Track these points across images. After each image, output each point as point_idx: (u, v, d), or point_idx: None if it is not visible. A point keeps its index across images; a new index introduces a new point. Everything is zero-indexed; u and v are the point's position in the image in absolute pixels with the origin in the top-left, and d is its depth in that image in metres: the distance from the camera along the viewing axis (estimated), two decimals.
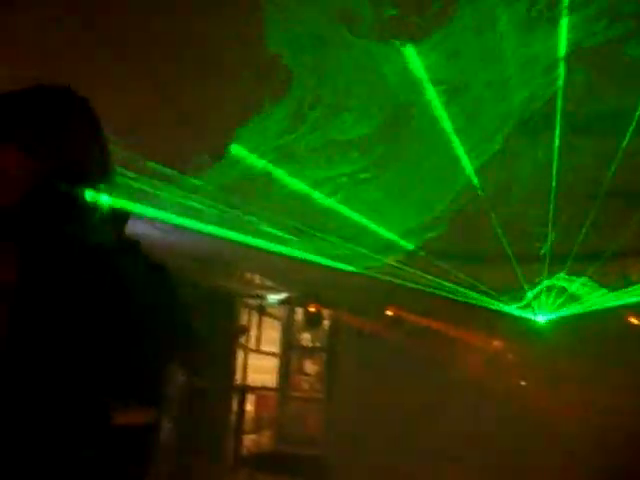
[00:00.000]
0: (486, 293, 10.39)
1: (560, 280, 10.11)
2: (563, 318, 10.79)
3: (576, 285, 10.20)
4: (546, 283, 10.23)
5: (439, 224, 7.51)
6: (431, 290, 10.20)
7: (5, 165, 1.56)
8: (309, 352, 13.78)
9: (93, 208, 1.61)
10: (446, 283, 10.14)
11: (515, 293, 10.46)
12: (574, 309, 10.69)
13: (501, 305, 10.68)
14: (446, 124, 4.95)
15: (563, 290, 10.43)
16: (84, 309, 1.58)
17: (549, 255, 8.83)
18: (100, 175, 1.68)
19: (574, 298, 10.50)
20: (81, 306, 1.58)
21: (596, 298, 10.39)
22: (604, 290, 10.10)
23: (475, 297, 10.37)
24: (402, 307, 11.75)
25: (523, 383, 11.59)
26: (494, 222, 7.69)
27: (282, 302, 12.57)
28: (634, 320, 11.00)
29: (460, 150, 5.53)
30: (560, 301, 10.72)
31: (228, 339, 10.99)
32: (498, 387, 11.21)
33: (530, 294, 10.51)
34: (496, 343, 12.03)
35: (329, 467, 10.90)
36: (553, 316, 10.90)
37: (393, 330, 11.93)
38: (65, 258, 1.58)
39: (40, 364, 1.50)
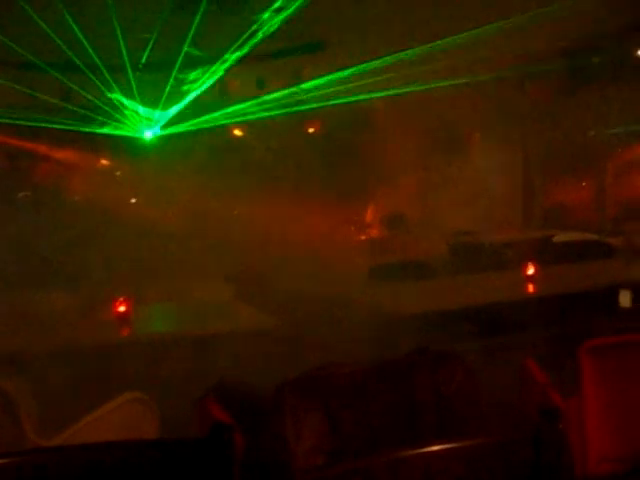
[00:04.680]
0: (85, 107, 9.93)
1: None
2: (169, 134, 10.89)
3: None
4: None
5: None
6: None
7: None
8: None
9: None
10: (42, 96, 9.44)
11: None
12: (180, 127, 10.83)
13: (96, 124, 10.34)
14: None
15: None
16: None
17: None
18: None
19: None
20: None
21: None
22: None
23: (73, 111, 9.86)
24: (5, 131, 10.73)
25: (134, 200, 11.61)
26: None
27: None
28: (238, 132, 11.57)
29: None
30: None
31: None
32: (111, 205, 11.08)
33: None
34: (104, 162, 11.75)
35: None
36: (159, 132, 10.92)
37: None
38: None
39: None
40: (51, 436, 3.29)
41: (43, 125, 9.69)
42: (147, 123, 10.58)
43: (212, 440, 1.96)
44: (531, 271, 5.97)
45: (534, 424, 2.13)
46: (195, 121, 10.63)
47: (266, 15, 7.43)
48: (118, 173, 11.75)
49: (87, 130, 10.08)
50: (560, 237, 8.70)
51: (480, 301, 5.25)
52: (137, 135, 10.68)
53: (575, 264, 6.73)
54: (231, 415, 2.67)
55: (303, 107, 10.20)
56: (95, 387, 3.84)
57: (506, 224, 10.82)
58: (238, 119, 10.71)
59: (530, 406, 3.55)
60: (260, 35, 7.86)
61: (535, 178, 11.82)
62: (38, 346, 4.38)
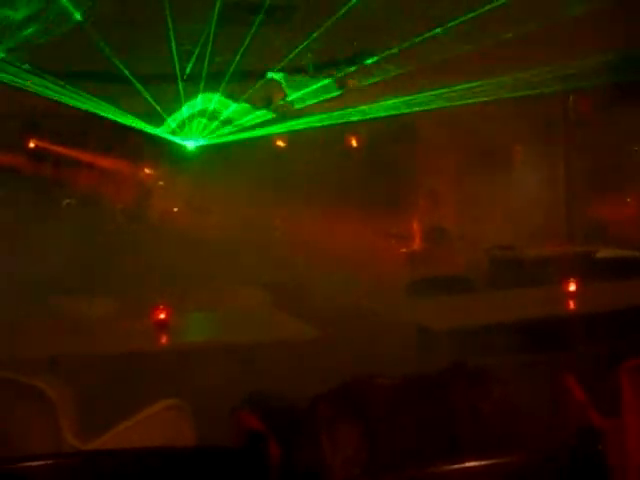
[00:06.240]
0: (132, 116, 10.09)
1: (207, 102, 10.17)
2: (213, 144, 10.98)
3: (221, 106, 10.35)
4: (194, 106, 10.23)
5: None
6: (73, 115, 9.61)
7: None
8: None
9: None
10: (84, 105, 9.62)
11: (160, 116, 10.32)
12: (225, 137, 10.92)
13: (149, 129, 10.48)
14: None
15: (209, 113, 10.51)
16: None
17: (200, 75, 8.77)
18: None
19: (223, 121, 10.67)
20: None
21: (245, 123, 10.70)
22: (252, 114, 10.43)
23: (121, 121, 10.02)
24: (45, 138, 10.94)
25: (175, 209, 11.74)
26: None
27: None
28: (281, 143, 11.62)
29: None
30: (209, 126, 10.83)
31: None
32: (153, 214, 11.22)
33: (175, 117, 10.44)
34: (147, 170, 11.90)
35: None
36: (203, 142, 11.02)
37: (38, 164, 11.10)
38: None
39: None
40: (88, 440, 3.33)
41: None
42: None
43: (248, 450, 1.97)
44: (572, 287, 5.88)
45: (573, 444, 2.09)
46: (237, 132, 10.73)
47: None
48: (161, 182, 11.89)
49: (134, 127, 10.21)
50: (603, 253, 8.56)
51: (520, 317, 5.18)
52: (180, 143, 10.81)
53: (618, 281, 6.61)
54: (267, 426, 2.67)
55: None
56: (133, 393, 3.88)
57: (548, 239, 10.68)
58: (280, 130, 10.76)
59: (569, 425, 3.50)
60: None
61: (578, 193, 11.66)
62: (78, 351, 4.44)
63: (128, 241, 9.82)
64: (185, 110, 10.24)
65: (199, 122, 10.57)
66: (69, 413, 3.41)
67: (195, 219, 11.00)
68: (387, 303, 5.91)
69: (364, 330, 4.99)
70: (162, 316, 4.79)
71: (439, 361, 3.39)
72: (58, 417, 3.33)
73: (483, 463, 2.01)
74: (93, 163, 11.28)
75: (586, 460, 2.06)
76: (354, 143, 11.78)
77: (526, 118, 10.52)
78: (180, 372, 4.14)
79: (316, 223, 10.29)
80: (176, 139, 10.83)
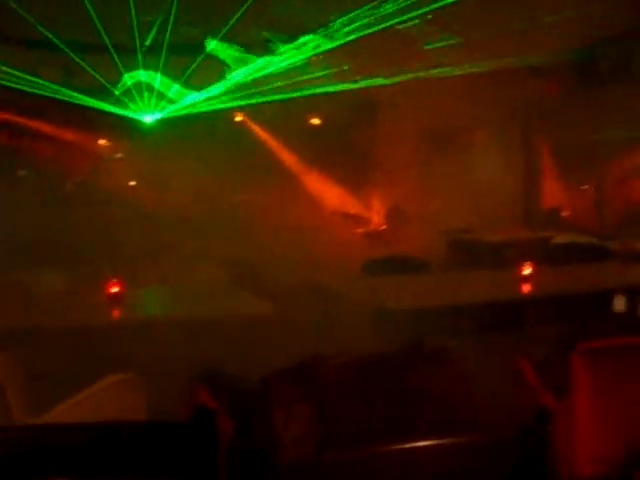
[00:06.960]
0: (83, 89, 9.91)
1: (143, 76, 10.01)
2: (169, 118, 10.83)
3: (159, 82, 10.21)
4: (132, 78, 10.06)
5: None
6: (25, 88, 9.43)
7: None
8: None
9: None
10: (40, 81, 9.44)
11: (109, 89, 10.13)
12: (181, 111, 10.78)
13: (98, 103, 10.29)
14: None
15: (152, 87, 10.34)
16: None
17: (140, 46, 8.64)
18: None
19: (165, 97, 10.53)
20: None
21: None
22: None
23: (72, 95, 9.86)
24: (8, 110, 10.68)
25: (133, 183, 11.57)
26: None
27: None
28: (240, 119, 11.53)
29: None
30: (161, 101, 10.68)
31: None
32: (110, 187, 11.03)
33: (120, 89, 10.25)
34: (103, 143, 11.69)
35: None
36: (159, 116, 10.86)
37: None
38: None
39: None
40: (38, 415, 3.27)
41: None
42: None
43: (197, 424, 1.94)
44: (527, 271, 5.93)
45: (523, 424, 2.11)
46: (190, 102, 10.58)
47: None
48: (119, 155, 11.69)
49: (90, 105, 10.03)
50: (558, 238, 8.67)
51: (475, 299, 5.23)
52: (137, 118, 10.62)
53: (571, 266, 6.70)
54: (219, 402, 2.65)
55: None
56: (84, 368, 3.81)
57: (506, 223, 10.77)
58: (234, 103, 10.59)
59: (520, 406, 3.53)
60: None
61: (537, 179, 11.78)
62: (28, 325, 4.35)
63: (83, 215, 9.66)
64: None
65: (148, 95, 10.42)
66: (18, 388, 3.34)
67: (153, 193, 10.85)
68: (344, 281, 5.91)
69: (320, 308, 4.98)
70: (116, 289, 4.73)
71: (395, 340, 3.39)
72: (6, 393, 3.26)
73: (434, 442, 2.01)
74: (49, 135, 11.05)
75: (535, 440, 2.09)
76: (313, 121, 11.72)
77: (487, 101, 10.56)
78: (134, 346, 4.08)
79: (275, 201, 10.25)
80: (131, 113, 10.65)
